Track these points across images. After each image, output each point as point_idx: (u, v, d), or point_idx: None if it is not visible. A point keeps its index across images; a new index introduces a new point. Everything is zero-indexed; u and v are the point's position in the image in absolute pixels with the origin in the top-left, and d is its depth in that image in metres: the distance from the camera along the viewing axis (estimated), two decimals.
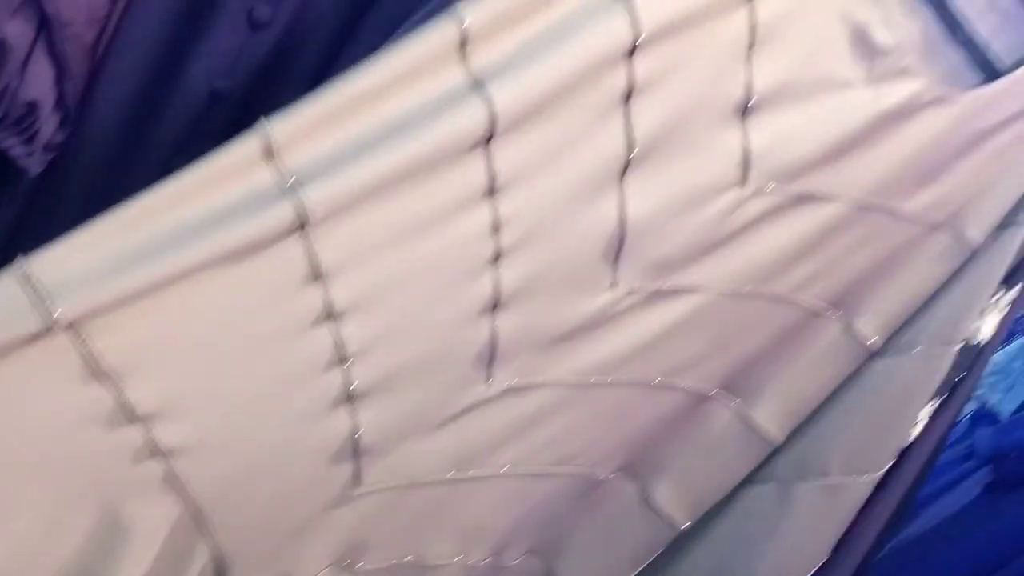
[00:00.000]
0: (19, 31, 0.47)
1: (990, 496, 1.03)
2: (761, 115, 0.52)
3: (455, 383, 0.53)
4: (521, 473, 0.61)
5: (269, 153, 0.40)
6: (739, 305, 0.60)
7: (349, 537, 0.57)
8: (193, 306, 0.42)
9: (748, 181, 0.54)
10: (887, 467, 0.65)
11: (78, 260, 0.38)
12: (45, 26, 0.48)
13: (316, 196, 0.41)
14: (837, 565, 0.68)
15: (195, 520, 0.48)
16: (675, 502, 0.67)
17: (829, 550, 0.67)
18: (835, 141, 0.55)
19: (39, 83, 0.49)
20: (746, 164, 0.54)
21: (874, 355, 0.65)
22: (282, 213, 0.40)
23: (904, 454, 0.67)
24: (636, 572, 0.71)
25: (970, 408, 1.21)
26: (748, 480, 0.67)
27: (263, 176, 0.40)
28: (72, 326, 0.39)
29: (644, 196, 0.51)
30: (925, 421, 0.67)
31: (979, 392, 1.21)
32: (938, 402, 0.67)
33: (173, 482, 0.46)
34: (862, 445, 0.64)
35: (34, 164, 0.52)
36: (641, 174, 0.51)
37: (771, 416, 0.66)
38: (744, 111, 0.52)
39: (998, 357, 1.24)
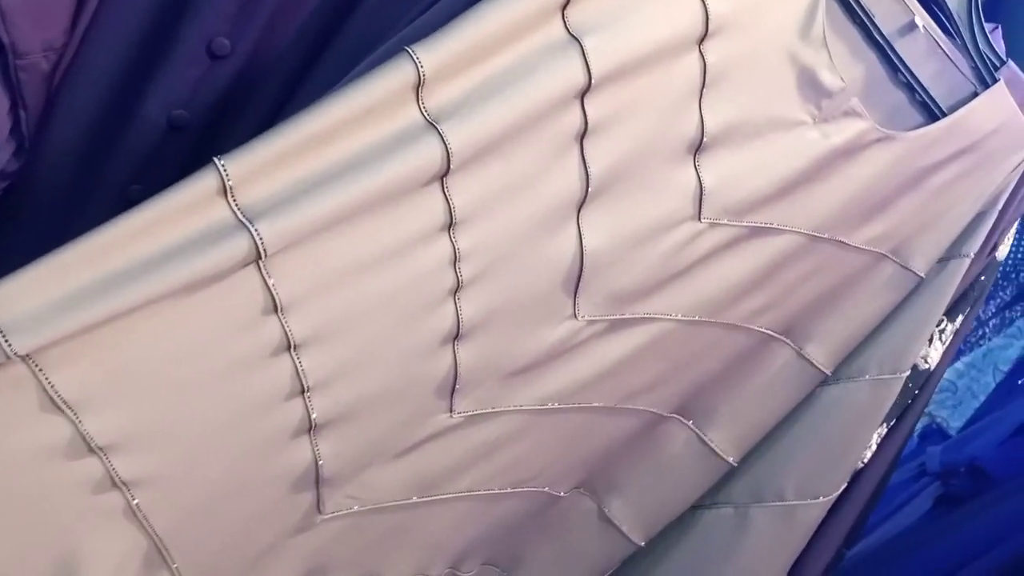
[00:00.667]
0: None
1: (940, 510, 1.06)
2: (713, 153, 0.54)
3: (417, 414, 0.54)
4: (480, 494, 0.61)
5: (223, 190, 0.40)
6: (695, 333, 0.62)
7: (310, 562, 0.57)
8: (151, 338, 0.42)
9: (702, 216, 0.56)
10: (840, 489, 0.67)
11: (34, 295, 0.38)
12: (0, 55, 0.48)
13: (270, 231, 0.41)
14: None
15: (158, 551, 0.48)
16: (631, 518, 0.69)
17: (784, 573, 0.70)
18: (785, 177, 0.57)
19: None
20: (700, 200, 0.55)
21: (826, 381, 0.67)
22: (236, 248, 0.41)
23: (857, 477, 0.70)
24: None
25: (920, 425, 1.25)
26: (705, 503, 0.69)
27: (218, 212, 0.40)
28: (29, 358, 0.39)
29: (601, 230, 0.53)
30: (876, 444, 0.70)
31: (928, 409, 1.25)
32: (888, 426, 0.70)
33: (134, 514, 0.46)
34: (816, 469, 0.66)
35: None
36: (598, 209, 0.52)
37: (726, 438, 0.68)
38: (697, 149, 0.53)
39: (947, 374, 1.27)
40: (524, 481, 0.63)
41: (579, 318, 0.55)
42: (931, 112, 0.59)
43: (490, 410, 0.57)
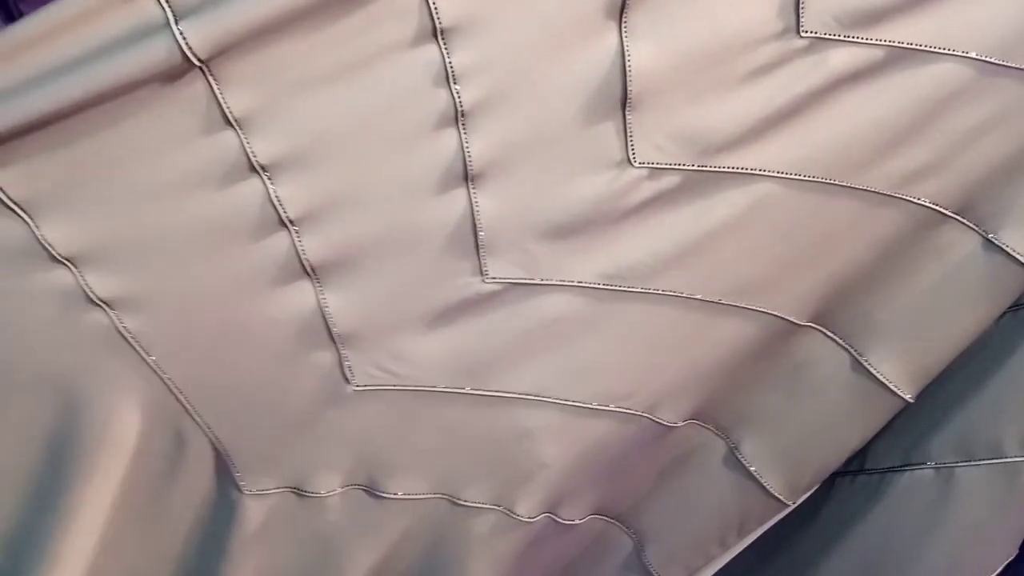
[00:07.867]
0: None
1: None
2: None
3: (439, 269, 0.46)
4: (561, 404, 0.51)
5: None
6: (820, 202, 0.46)
7: (358, 450, 0.52)
8: (95, 146, 0.39)
9: (801, 27, 0.41)
10: None
11: None
12: None
13: (196, 32, 0.37)
14: None
15: (172, 395, 0.47)
16: (770, 463, 0.55)
17: (1016, 543, 0.54)
18: None
19: None
20: (796, 4, 0.41)
21: None
22: (158, 48, 0.37)
23: None
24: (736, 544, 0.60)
25: None
26: (895, 464, 0.55)
27: (146, 8, 0.36)
28: None
29: (653, 43, 0.41)
30: None
31: None
32: None
33: (126, 343, 0.44)
34: None
35: None
36: (647, 14, 0.40)
37: (894, 361, 0.51)
38: None
39: None
40: (615, 396, 0.52)
41: (634, 162, 0.44)
42: None
43: (537, 280, 0.47)
